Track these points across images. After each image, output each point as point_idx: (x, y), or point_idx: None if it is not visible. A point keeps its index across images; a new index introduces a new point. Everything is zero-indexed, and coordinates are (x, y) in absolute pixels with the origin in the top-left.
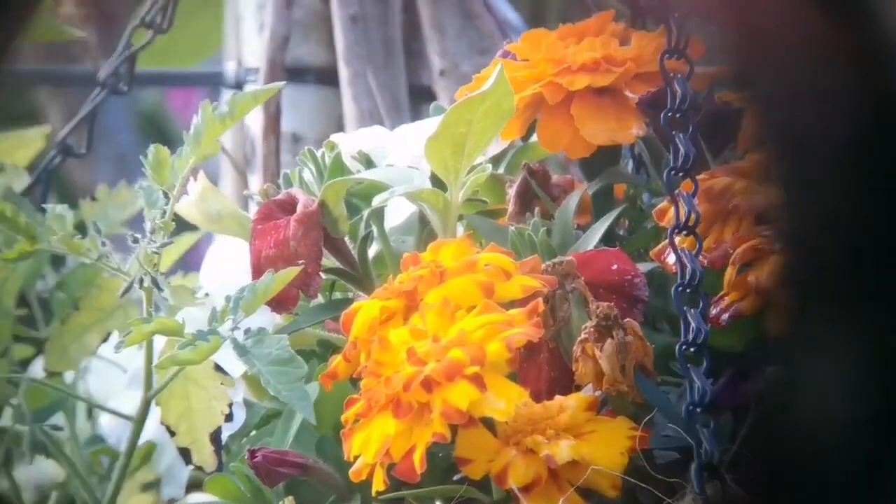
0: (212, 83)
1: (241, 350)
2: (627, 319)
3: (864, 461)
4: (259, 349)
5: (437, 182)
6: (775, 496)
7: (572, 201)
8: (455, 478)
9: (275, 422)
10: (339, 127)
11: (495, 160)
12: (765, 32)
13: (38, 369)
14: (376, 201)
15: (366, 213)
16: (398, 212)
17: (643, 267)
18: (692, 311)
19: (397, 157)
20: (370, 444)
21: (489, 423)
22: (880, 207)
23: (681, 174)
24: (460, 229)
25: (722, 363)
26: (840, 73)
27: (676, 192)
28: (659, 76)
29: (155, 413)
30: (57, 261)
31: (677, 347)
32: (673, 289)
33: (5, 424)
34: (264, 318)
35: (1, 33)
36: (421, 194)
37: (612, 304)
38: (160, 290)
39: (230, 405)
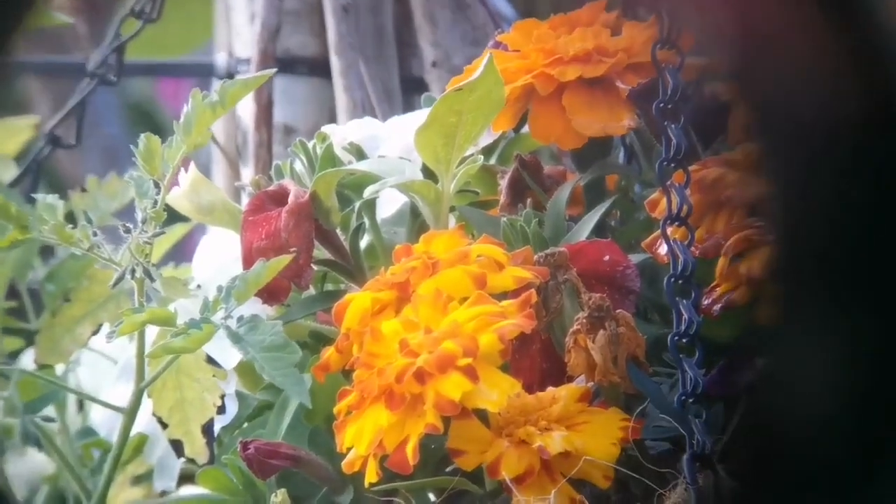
0: (203, 74)
1: (235, 337)
2: (619, 310)
3: (854, 452)
4: (253, 336)
5: (428, 173)
6: (766, 487)
7: (564, 192)
8: (448, 469)
9: (267, 414)
10: (331, 118)
11: (487, 151)
12: (758, 24)
13: (28, 361)
14: (368, 192)
15: (357, 204)
16: (390, 203)
17: (635, 258)
18: (684, 301)
19: (389, 149)
20: (363, 436)
21: (482, 415)
22: (875, 203)
23: (673, 165)
24: (452, 220)
25: (714, 354)
26: (835, 68)
27: (668, 182)
28: (650, 67)
29: (147, 405)
30: (47, 252)
31: (669, 338)
32: (665, 280)
33: None
34: (256, 310)
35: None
36: (412, 185)
37: (605, 295)
38: (152, 280)
39: (222, 397)
